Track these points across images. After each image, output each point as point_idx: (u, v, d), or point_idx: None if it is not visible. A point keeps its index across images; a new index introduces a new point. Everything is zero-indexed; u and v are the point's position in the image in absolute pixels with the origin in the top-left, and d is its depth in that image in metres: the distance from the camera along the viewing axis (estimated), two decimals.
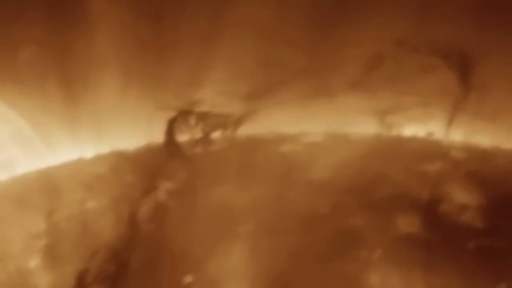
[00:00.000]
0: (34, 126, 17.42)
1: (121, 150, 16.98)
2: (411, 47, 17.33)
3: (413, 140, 17.49)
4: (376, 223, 15.11)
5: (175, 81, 17.11)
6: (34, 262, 15.00)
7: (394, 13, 16.96)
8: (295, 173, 15.86)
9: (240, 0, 16.88)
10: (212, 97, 16.84)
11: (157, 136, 16.74)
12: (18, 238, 15.21)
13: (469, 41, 17.27)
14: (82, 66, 17.43)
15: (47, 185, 16.16)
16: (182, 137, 16.80)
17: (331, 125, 17.41)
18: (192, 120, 16.75)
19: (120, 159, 16.58)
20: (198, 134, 16.83)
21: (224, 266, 14.57)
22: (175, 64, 17.32)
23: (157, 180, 15.88)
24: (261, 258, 14.63)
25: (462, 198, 15.59)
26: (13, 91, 17.19)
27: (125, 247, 14.92)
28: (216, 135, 16.88)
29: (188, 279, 14.56)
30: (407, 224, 15.10)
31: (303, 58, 17.26)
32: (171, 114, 16.71)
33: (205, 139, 16.78)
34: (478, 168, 16.46)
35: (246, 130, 17.02)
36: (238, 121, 16.90)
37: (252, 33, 16.93)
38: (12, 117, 17.32)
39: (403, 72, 17.31)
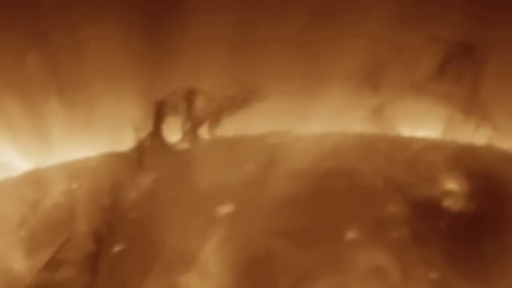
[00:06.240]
0: (32, 130, 17.94)
1: (111, 150, 17.29)
2: (409, 45, 17.50)
3: (404, 136, 17.43)
4: (359, 205, 14.95)
5: (165, 85, 17.54)
6: (15, 248, 15.09)
7: (392, 10, 17.16)
8: (279, 162, 15.85)
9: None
10: (202, 96, 17.18)
11: (146, 136, 17.03)
12: (1, 226, 15.39)
13: (468, 41, 17.40)
14: (79, 73, 18.12)
15: (36, 179, 16.50)
16: (170, 136, 17.07)
17: (325, 124, 17.41)
18: (180, 119, 17.06)
19: (109, 157, 16.89)
20: (185, 131, 17.06)
21: (202, 248, 14.45)
22: (165, 70, 17.83)
23: (142, 172, 16.07)
24: (240, 240, 14.48)
25: (447, 184, 15.40)
26: (13, 96, 17.85)
27: (107, 231, 14.99)
28: (202, 132, 17.10)
29: (166, 260, 14.45)
30: (391, 205, 14.88)
31: (297, 57, 17.57)
32: (160, 113, 17.03)
33: (192, 136, 16.99)
34: (467, 161, 16.28)
35: (233, 128, 17.20)
36: (226, 119, 17.13)
37: (241, 34, 17.43)
38: (11, 121, 17.91)
39: (398, 70, 17.43)
